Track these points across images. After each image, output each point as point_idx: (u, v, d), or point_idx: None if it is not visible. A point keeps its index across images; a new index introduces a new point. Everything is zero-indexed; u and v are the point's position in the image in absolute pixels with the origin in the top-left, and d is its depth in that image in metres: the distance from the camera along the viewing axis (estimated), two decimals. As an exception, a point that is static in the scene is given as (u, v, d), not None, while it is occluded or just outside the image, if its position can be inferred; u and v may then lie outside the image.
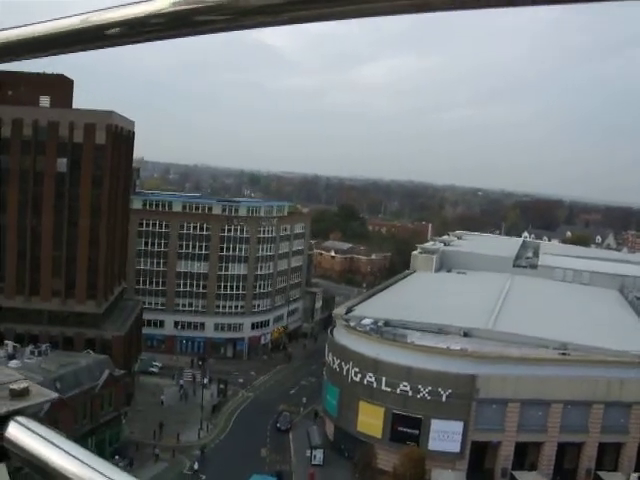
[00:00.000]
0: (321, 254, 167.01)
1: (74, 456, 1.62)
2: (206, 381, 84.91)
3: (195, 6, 0.83)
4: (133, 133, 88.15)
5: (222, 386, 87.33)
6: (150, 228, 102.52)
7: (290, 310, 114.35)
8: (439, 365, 66.35)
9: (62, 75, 79.64)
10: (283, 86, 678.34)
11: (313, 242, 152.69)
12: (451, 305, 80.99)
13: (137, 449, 71.68)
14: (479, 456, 69.06)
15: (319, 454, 70.67)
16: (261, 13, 0.78)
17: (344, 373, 71.82)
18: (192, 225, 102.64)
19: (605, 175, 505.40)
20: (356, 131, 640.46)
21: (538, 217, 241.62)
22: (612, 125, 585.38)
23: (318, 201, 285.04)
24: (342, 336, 74.34)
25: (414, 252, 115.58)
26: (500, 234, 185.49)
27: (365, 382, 69.35)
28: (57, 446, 1.67)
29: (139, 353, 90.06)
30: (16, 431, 1.84)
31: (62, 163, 75.29)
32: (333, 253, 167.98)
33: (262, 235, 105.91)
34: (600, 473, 69.79)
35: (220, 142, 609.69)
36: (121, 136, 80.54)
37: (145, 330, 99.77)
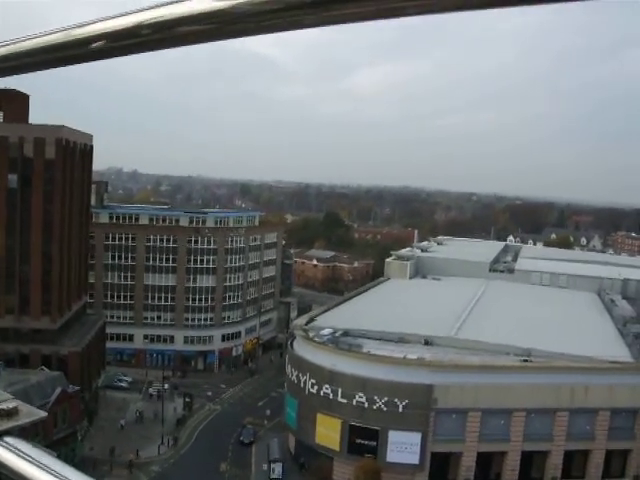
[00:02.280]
0: (303, 263, 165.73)
1: (64, 477, 1.63)
2: (167, 394, 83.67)
3: (180, 16, 0.87)
4: (91, 147, 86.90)
5: (188, 400, 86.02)
6: (116, 242, 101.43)
7: (264, 321, 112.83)
8: (395, 375, 64.78)
9: (16, 90, 78.67)
10: (276, 95, 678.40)
11: (293, 251, 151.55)
12: (416, 313, 79.80)
13: (94, 466, 70.27)
14: (441, 467, 67.47)
15: (278, 468, 69.17)
16: (243, 22, 0.81)
17: (301, 385, 70.36)
18: (159, 237, 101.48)
19: (598, 177, 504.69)
20: (350, 139, 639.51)
21: (527, 220, 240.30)
22: (605, 128, 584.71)
23: (309, 209, 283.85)
24: (300, 347, 72.90)
25: (387, 259, 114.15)
26: (490, 238, 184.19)
27: (322, 394, 67.84)
28: (46, 467, 1.68)
29: (103, 368, 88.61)
30: (5, 452, 1.83)
31: (13, 179, 74.07)
32: (315, 262, 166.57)
33: (230, 246, 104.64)
34: (565, 482, 68.41)
35: (214, 153, 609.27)
36: (74, 150, 79.20)
37: (114, 344, 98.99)
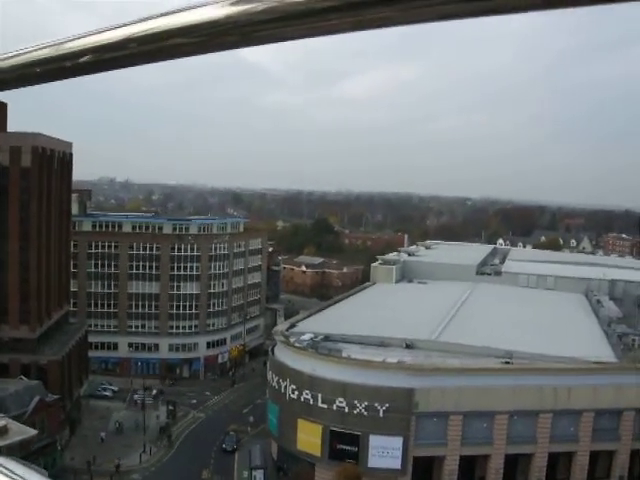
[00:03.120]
0: (292, 269, 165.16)
1: None
2: (152, 402, 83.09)
3: (170, 29, 0.87)
4: (70, 154, 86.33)
5: (171, 407, 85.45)
6: (99, 250, 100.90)
7: (250, 327, 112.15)
8: (375, 379, 64.18)
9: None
10: (268, 103, 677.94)
11: (282, 258, 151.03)
12: (398, 317, 79.26)
13: (75, 476, 69.63)
14: (424, 472, 66.79)
15: (259, 475, 68.70)
16: (230, 34, 0.81)
17: (282, 391, 69.72)
18: (142, 245, 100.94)
19: (591, 180, 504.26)
20: (342, 145, 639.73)
21: (519, 224, 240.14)
22: (601, 130, 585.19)
23: (300, 216, 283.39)
24: (281, 353, 72.29)
25: (374, 264, 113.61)
26: (481, 242, 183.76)
27: (302, 399, 67.19)
28: None
29: (86, 376, 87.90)
30: None
31: (-11, 187, 73.48)
32: (304, 268, 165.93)
33: (214, 252, 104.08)
34: (551, 484, 67.80)
35: (207, 161, 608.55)
36: (52, 158, 78.63)
37: (98, 353, 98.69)
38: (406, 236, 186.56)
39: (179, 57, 0.87)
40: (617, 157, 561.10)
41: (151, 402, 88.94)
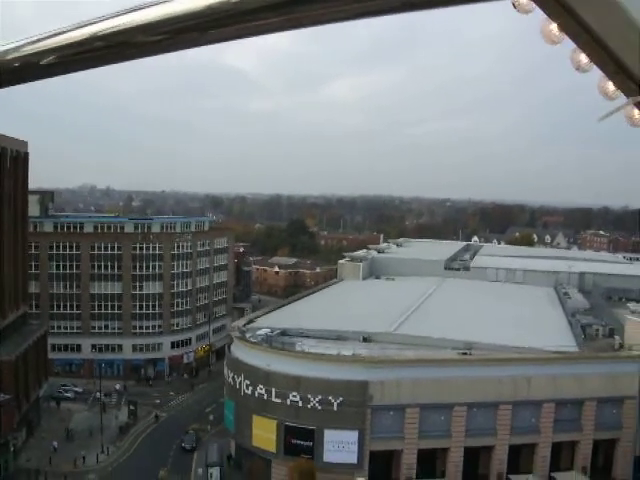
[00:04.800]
0: (265, 270, 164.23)
1: None
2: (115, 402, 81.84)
3: (135, 26, 0.87)
4: (25, 154, 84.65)
5: (132, 407, 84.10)
6: (61, 251, 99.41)
7: (216, 327, 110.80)
8: (330, 372, 63.09)
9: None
10: (249, 109, 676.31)
11: (254, 259, 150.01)
12: (359, 312, 78.31)
13: (29, 477, 68.23)
14: (382, 466, 65.61)
15: (215, 472, 67.58)
16: (195, 30, 0.82)
17: (237, 387, 68.51)
18: (103, 245, 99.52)
19: (572, 181, 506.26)
20: (325, 149, 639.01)
21: (498, 223, 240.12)
22: (582, 133, 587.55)
23: (280, 219, 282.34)
24: (237, 349, 71.08)
25: (340, 260, 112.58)
26: (458, 240, 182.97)
27: (256, 394, 65.97)
28: None
29: (45, 378, 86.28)
30: None
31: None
32: (277, 269, 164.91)
33: (177, 251, 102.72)
34: (512, 477, 66.66)
35: (188, 168, 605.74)
36: (2, 156, 77.01)
37: (62, 355, 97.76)
38: (382, 236, 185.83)
39: (152, 54, 0.90)
40: (599, 158, 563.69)
41: (113, 403, 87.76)
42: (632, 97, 2.93)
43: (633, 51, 2.98)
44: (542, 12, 3.62)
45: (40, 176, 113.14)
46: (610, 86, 3.79)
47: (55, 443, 75.53)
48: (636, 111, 2.92)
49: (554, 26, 3.72)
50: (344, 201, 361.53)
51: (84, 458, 72.75)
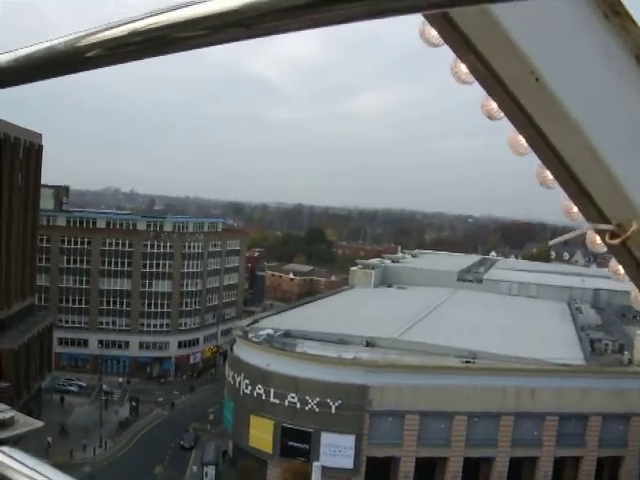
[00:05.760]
0: (280, 276, 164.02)
1: None
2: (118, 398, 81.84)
3: (171, 22, 0.90)
4: (39, 146, 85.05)
5: (134, 404, 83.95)
6: (72, 245, 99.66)
7: (225, 329, 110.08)
8: (330, 375, 62.30)
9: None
10: (276, 119, 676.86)
11: (266, 264, 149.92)
12: (365, 317, 77.40)
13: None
14: (379, 473, 64.65)
15: (211, 471, 66.99)
16: (235, 26, 0.84)
17: (237, 386, 68.04)
18: (115, 241, 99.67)
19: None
20: (350, 162, 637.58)
21: (518, 240, 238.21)
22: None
23: (300, 228, 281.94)
24: (239, 348, 70.67)
25: (352, 268, 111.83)
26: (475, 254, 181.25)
27: (255, 394, 65.46)
28: (45, 476, 1.69)
29: (49, 370, 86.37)
30: (2, 461, 1.83)
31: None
32: (292, 275, 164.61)
33: (188, 251, 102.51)
34: (512, 490, 65.58)
35: (213, 176, 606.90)
36: (15, 146, 77.33)
37: (68, 349, 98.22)
38: (399, 247, 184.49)
39: (184, 50, 0.93)
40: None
41: (116, 399, 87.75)
42: (592, 224, 2.77)
43: (595, 178, 2.77)
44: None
45: (65, 178, 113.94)
46: (574, 208, 3.62)
47: (49, 438, 75.24)
48: (598, 237, 2.76)
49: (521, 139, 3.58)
50: (365, 213, 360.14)
51: (84, 446, 72.83)
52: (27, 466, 1.70)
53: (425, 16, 3.15)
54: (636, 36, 2.68)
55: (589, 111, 2.94)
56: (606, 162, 2.94)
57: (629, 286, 4.35)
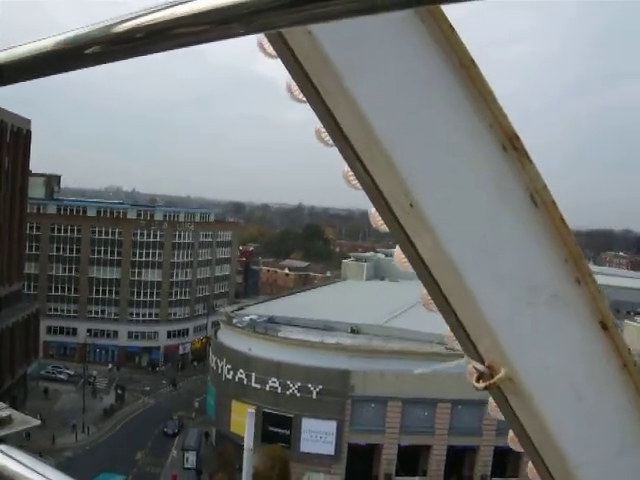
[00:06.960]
0: (276, 272, 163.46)
1: None
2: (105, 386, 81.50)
3: (174, 17, 0.90)
4: (28, 131, 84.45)
5: (120, 391, 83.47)
6: (62, 233, 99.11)
7: (216, 320, 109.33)
8: (312, 360, 61.56)
9: None
10: (278, 119, 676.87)
11: (264, 260, 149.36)
12: (352, 305, 76.60)
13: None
14: (361, 460, 63.83)
15: (191, 457, 66.40)
16: (237, 21, 0.84)
17: (219, 371, 67.38)
18: (104, 230, 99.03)
19: (594, 204, 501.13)
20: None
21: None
22: (604, 157, 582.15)
23: (300, 227, 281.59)
24: (222, 334, 70.07)
25: (345, 260, 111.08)
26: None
27: (236, 379, 64.84)
28: (42, 474, 1.70)
29: (35, 357, 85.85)
30: (0, 459, 1.86)
31: None
32: (287, 271, 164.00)
33: (178, 240, 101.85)
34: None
35: (215, 176, 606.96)
36: (2, 130, 76.75)
37: (57, 338, 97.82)
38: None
39: (183, 46, 0.94)
40: (620, 182, 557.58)
41: (103, 387, 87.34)
42: (468, 359, 2.28)
43: (469, 317, 2.27)
44: None
45: (67, 177, 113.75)
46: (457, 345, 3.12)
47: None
48: (475, 372, 2.26)
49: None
50: (366, 213, 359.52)
51: (73, 429, 72.74)
52: (25, 465, 1.70)
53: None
54: (530, 172, 2.24)
55: (469, 248, 2.41)
56: (480, 307, 2.40)
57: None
